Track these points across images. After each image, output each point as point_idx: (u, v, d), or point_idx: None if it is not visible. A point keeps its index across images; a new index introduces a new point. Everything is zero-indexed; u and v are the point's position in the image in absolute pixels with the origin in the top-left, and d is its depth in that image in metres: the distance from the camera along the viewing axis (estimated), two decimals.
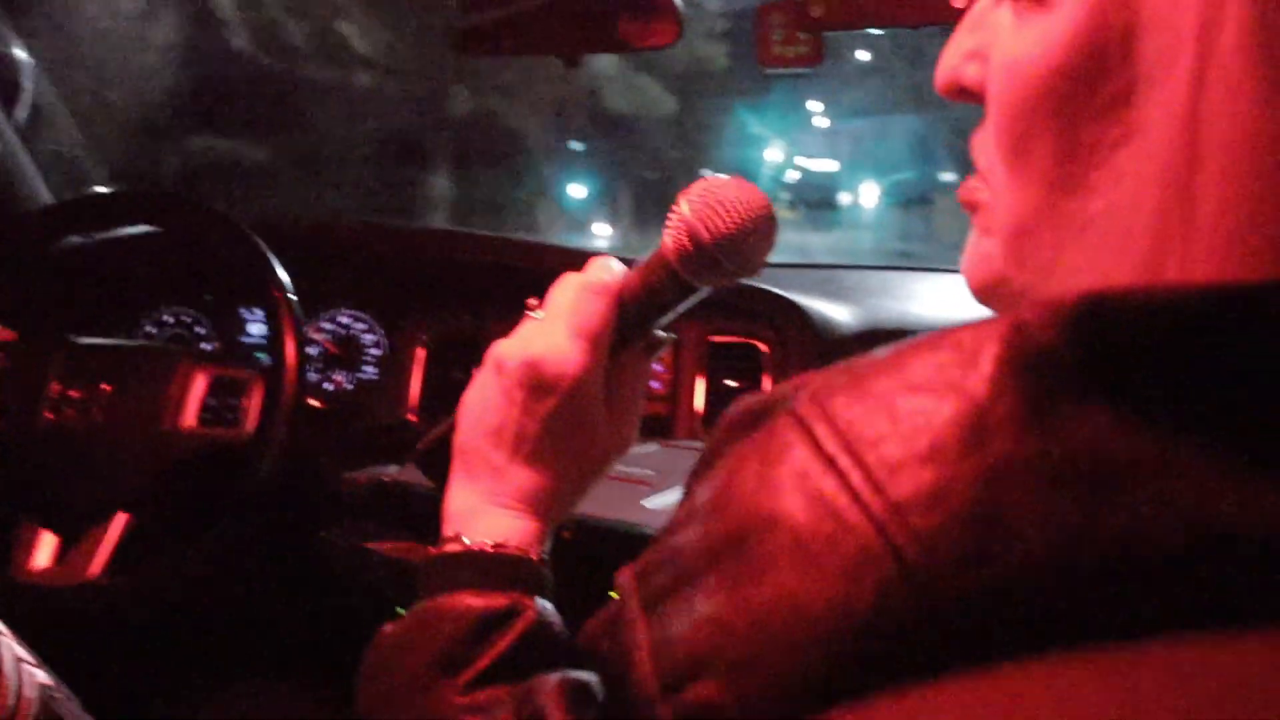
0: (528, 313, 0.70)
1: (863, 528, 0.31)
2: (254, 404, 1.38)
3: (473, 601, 0.61)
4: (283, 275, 1.34)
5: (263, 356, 1.68)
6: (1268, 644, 0.21)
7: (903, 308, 1.56)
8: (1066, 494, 0.30)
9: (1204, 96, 0.34)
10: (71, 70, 2.00)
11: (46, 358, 1.44)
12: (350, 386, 1.74)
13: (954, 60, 0.46)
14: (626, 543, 1.01)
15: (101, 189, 1.90)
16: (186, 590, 1.46)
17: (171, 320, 1.78)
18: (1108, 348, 0.32)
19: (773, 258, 0.67)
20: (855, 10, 1.00)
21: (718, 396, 1.51)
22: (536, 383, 0.66)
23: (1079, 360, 0.32)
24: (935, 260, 2.13)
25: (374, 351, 1.73)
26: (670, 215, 0.66)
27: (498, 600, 0.61)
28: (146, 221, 1.52)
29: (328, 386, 1.74)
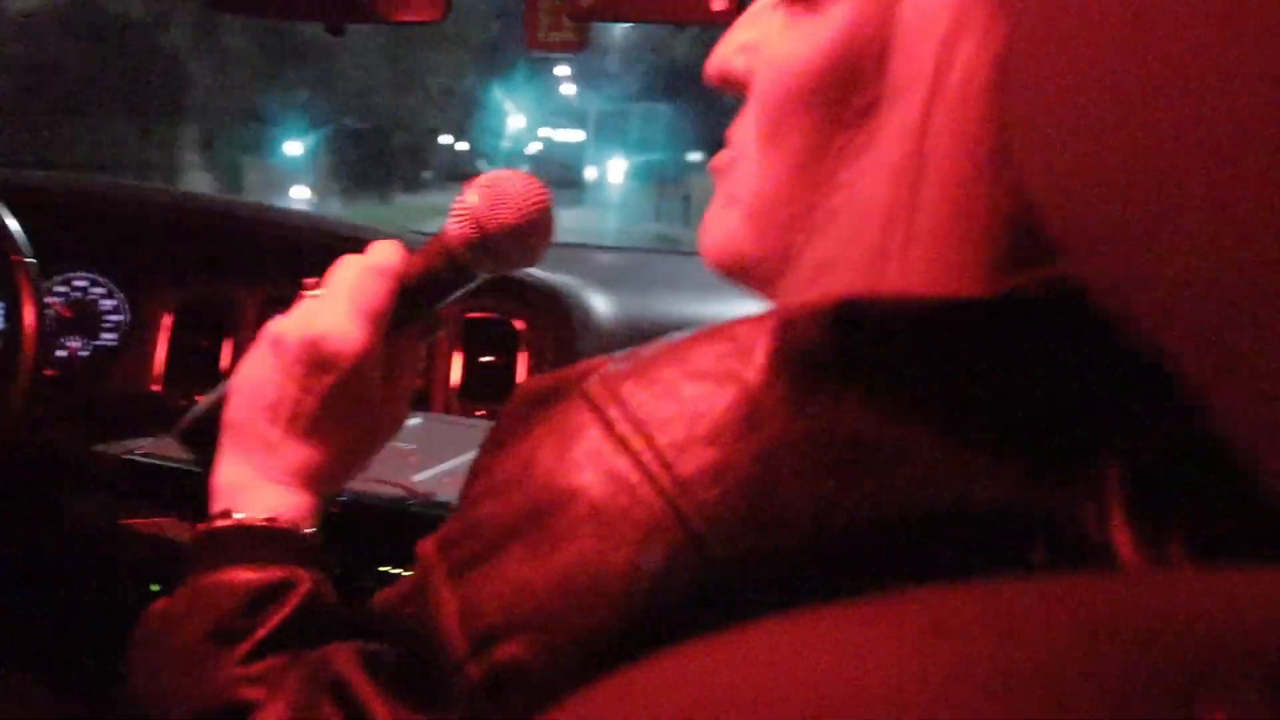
0: (304, 291, 0.71)
1: (654, 500, 0.36)
2: None
3: (248, 575, 0.62)
4: (18, 232, 1.25)
5: None
6: (985, 593, 0.26)
7: (660, 294, 1.63)
8: (826, 470, 0.35)
9: (933, 119, 0.40)
10: None
11: None
12: (86, 354, 1.64)
13: (726, 51, 0.51)
14: (394, 516, 1.02)
15: None
16: None
17: None
18: (859, 346, 0.38)
19: None
20: (622, 5, 1.04)
21: (473, 372, 1.55)
22: (317, 360, 0.67)
23: (837, 356, 0.37)
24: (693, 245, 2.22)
25: (114, 317, 1.64)
26: (456, 204, 0.69)
27: (273, 573, 0.62)
28: None
29: (60, 354, 1.63)
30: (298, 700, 0.49)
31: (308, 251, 1.55)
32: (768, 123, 0.47)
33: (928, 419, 0.36)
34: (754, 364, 0.37)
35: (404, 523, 1.00)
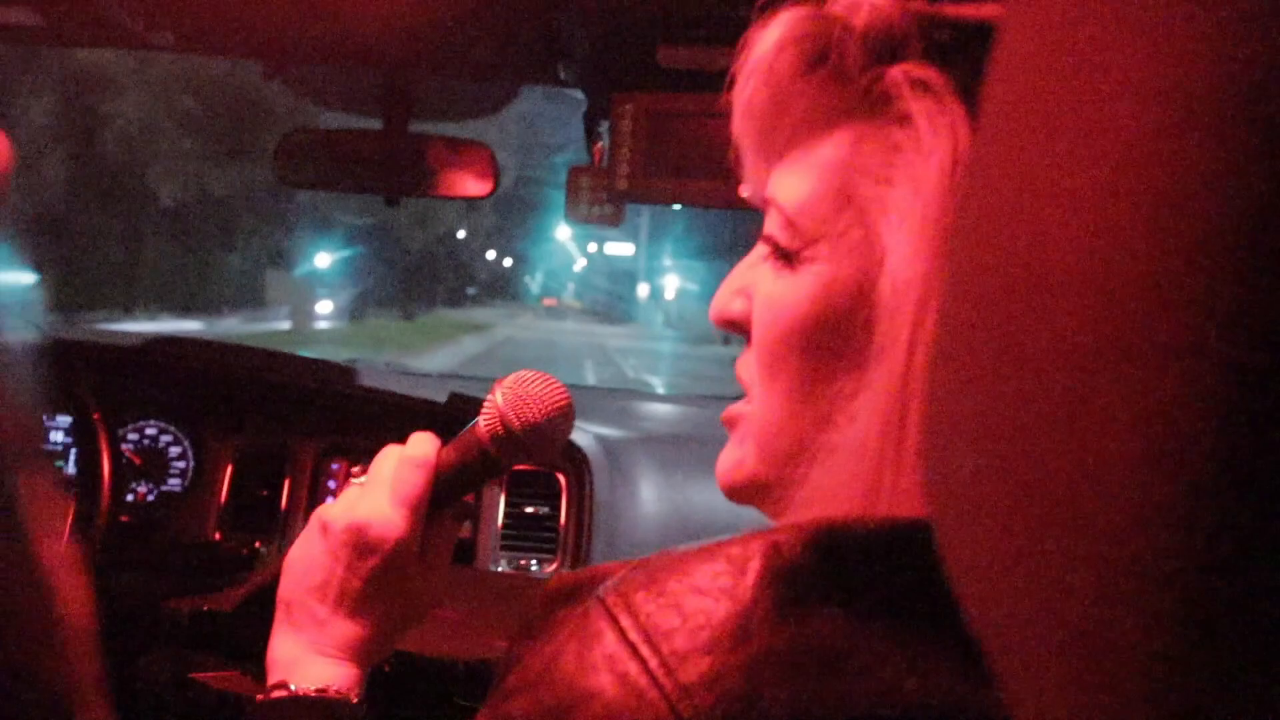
0: (350, 479, 0.79)
1: (659, 703, 0.42)
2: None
3: None
4: (90, 384, 1.34)
5: (62, 465, 1.65)
6: None
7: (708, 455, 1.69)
8: (804, 675, 0.41)
9: (911, 375, 0.47)
10: None
11: None
12: (152, 499, 1.73)
13: (725, 295, 0.58)
14: (439, 671, 1.08)
15: None
16: None
17: None
18: (836, 565, 0.44)
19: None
20: (654, 190, 1.13)
21: (517, 521, 1.62)
22: (361, 545, 0.75)
23: (818, 574, 0.44)
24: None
25: (179, 464, 1.74)
26: (485, 404, 0.77)
27: None
28: None
29: (128, 498, 1.72)
30: None
31: (357, 404, 1.65)
32: (767, 360, 0.54)
33: (894, 630, 0.42)
34: (746, 582, 0.43)
35: (446, 679, 1.06)
